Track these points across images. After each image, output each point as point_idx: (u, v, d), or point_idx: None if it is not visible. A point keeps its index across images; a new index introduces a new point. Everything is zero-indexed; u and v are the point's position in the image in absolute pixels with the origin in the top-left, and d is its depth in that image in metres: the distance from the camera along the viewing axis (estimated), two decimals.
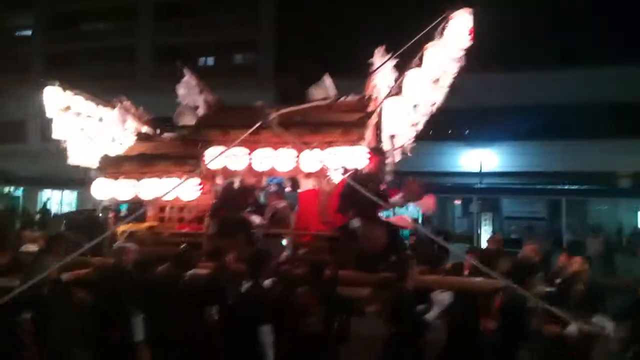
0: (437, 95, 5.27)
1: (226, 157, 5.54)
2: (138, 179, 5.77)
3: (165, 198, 5.73)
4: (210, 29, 21.73)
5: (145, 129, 6.62)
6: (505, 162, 17.63)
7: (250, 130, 5.26)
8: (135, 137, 6.42)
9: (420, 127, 5.53)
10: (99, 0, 22.48)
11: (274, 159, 5.49)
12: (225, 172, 5.59)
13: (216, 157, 5.23)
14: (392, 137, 5.51)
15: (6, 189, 18.29)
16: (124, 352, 4.60)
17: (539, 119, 16.55)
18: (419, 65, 5.14)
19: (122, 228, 5.81)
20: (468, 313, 4.56)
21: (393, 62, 5.51)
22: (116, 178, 5.79)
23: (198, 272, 5.01)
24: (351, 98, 6.23)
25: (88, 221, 6.33)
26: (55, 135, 5.78)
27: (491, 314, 4.53)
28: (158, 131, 6.62)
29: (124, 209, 6.44)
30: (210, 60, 23.52)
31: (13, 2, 23.10)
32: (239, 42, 22.36)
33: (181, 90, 6.27)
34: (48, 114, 5.71)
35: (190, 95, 6.24)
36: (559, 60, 16.56)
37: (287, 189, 6.05)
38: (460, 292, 4.57)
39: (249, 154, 5.53)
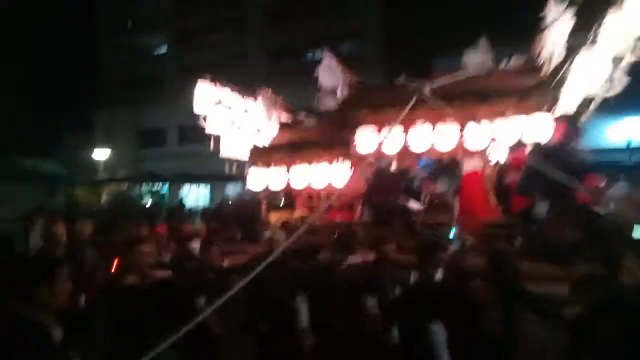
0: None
1: (379, 139, 5.05)
2: (289, 167, 5.55)
3: (316, 185, 5.44)
4: (317, 24, 21.72)
5: (287, 117, 6.40)
6: None
7: (409, 107, 4.69)
8: (279, 126, 6.23)
9: (618, 85, 4.42)
10: (214, 13, 23.72)
11: (433, 137, 4.84)
12: (379, 155, 5.08)
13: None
14: (584, 100, 4.48)
15: (154, 186, 20.15)
16: (285, 340, 4.41)
17: None
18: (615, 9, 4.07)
19: (274, 217, 5.66)
20: None
21: (564, 11, 4.48)
22: (268, 167, 5.64)
23: (358, 260, 4.61)
24: (515, 61, 5.30)
25: (243, 211, 6.30)
26: (209, 129, 5.81)
27: None
28: (302, 118, 6.36)
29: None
30: (318, 54, 23.52)
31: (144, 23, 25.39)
32: (344, 33, 22.11)
33: (321, 73, 5.92)
34: (198, 109, 5.73)
35: (331, 78, 5.85)
36: None
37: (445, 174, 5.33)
38: None
39: (404, 133, 4.95)
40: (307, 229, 5.34)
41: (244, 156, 6.03)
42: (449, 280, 4.18)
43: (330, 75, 5.84)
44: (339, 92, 5.85)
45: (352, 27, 21.73)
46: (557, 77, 4.51)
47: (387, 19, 20.53)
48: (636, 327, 3.33)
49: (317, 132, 5.69)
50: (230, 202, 9.17)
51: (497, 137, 4.51)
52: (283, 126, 6.27)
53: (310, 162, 5.45)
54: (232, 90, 6.11)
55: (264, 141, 6.07)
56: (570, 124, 4.31)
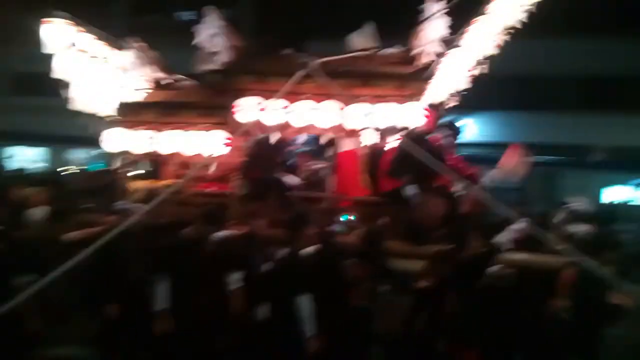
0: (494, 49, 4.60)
1: (260, 109, 4.85)
2: (157, 130, 5.03)
3: (188, 153, 5.03)
4: None
5: (162, 76, 5.79)
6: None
7: (294, 79, 4.60)
8: (152, 85, 5.61)
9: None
10: None
11: (315, 114, 4.81)
12: (260, 126, 4.89)
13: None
14: (450, 93, 4.86)
15: None
16: (140, 322, 4.07)
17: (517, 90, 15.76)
18: (482, 13, 4.45)
19: (135, 185, 5.11)
20: (536, 292, 4.08)
21: (444, 11, 4.81)
22: (131, 128, 5.03)
23: (227, 235, 4.43)
24: (395, 50, 5.53)
25: (100, 178, 5.56)
26: (56, 74, 4.93)
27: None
28: (177, 78, 5.80)
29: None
30: (189, 16, 22.22)
31: None
32: None
33: (202, 33, 5.42)
34: (48, 50, 4.86)
35: (213, 39, 5.41)
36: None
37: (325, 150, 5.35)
38: (528, 269, 4.08)
39: (287, 106, 4.83)
40: (174, 200, 5.01)
41: (100, 113, 5.30)
42: (321, 256, 4.26)
43: (213, 36, 5.39)
44: (220, 56, 5.44)
45: None
46: (430, 69, 4.80)
47: None
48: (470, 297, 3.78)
49: (194, 96, 5.24)
50: (80, 167, 8.09)
51: (375, 119, 4.64)
52: (156, 85, 5.65)
53: (183, 127, 5.01)
54: (92, 34, 5.29)
55: (130, 98, 5.40)
56: (439, 114, 4.64)
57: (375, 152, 5.48)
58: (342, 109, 4.74)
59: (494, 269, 4.10)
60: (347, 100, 4.75)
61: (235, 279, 4.15)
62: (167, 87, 5.68)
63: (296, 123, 4.82)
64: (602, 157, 16.24)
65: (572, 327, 3.83)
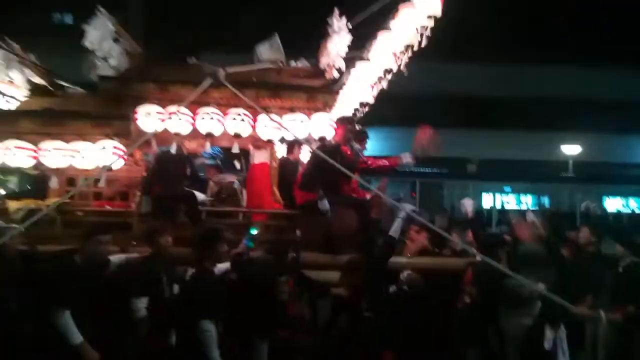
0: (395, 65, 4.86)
1: (164, 118, 4.52)
2: (36, 142, 4.40)
3: (79, 166, 4.50)
4: None
5: (40, 80, 5.11)
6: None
7: (201, 87, 4.35)
8: (30, 90, 4.92)
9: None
10: None
11: (225, 124, 4.62)
12: (164, 136, 4.54)
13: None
14: (358, 105, 4.99)
15: None
16: None
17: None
18: (386, 29, 4.68)
19: (14, 205, 4.41)
20: (442, 292, 4.34)
21: (344, 26, 4.98)
22: (7, 139, 4.35)
23: (127, 257, 4.04)
24: (302, 63, 5.57)
25: None
26: None
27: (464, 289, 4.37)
28: (60, 83, 5.17)
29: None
30: (69, 19, 20.46)
31: None
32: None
33: (92, 35, 4.91)
34: None
35: (104, 42, 4.92)
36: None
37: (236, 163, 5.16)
38: (433, 272, 4.32)
39: (194, 115, 4.56)
40: (63, 221, 4.44)
41: None
42: (235, 271, 4.07)
43: (105, 39, 4.92)
44: (113, 61, 4.98)
45: None
46: (338, 83, 4.90)
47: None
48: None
49: (86, 104, 4.70)
50: None
51: (285, 131, 4.59)
52: (35, 90, 4.96)
53: (73, 138, 4.45)
54: None
55: (8, 105, 4.68)
56: (349, 124, 4.74)
57: (285, 165, 5.43)
58: (253, 120, 4.59)
59: (403, 274, 4.27)
60: (255, 112, 4.63)
61: (140, 306, 3.76)
62: (48, 94, 5.02)
63: (204, 129, 4.55)
64: (477, 168, 18.29)
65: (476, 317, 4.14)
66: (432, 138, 4.69)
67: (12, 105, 4.77)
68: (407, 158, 4.56)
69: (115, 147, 4.43)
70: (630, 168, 18.72)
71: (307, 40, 5.77)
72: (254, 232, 4.08)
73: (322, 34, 5.29)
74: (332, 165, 3.97)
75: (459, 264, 4.40)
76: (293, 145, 5.47)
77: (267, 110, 4.59)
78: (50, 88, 5.16)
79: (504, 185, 19.56)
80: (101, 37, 4.92)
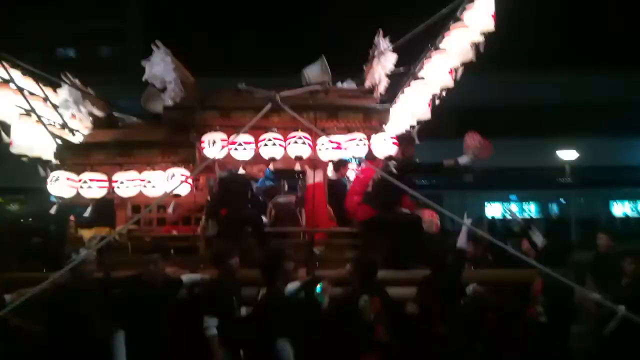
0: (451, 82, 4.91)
1: (229, 144, 4.58)
2: (110, 173, 4.46)
3: (149, 194, 4.54)
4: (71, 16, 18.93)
5: (101, 113, 5.20)
6: None
7: (261, 113, 4.43)
8: (94, 122, 5.01)
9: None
10: None
11: (285, 147, 4.67)
12: (228, 162, 4.60)
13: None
14: (414, 124, 5.04)
15: None
16: None
17: None
18: (438, 49, 4.75)
19: (87, 234, 4.46)
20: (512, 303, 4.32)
21: (390, 46, 5.05)
22: (81, 172, 4.41)
23: (196, 278, 4.07)
24: (348, 84, 5.65)
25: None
26: None
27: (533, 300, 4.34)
28: (120, 116, 5.26)
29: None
30: (71, 52, 20.86)
31: None
32: (104, 32, 19.95)
33: (151, 68, 5.01)
34: None
35: (163, 74, 5.01)
36: None
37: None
38: (497, 284, 4.31)
39: (256, 141, 4.62)
40: (133, 246, 4.48)
41: (45, 154, 4.59)
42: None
43: (162, 71, 5.00)
44: (172, 92, 5.06)
45: (115, 26, 19.93)
46: (392, 102, 4.97)
47: (152, 22, 18.96)
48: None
49: (153, 134, 4.77)
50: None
51: (345, 151, 4.64)
52: (99, 122, 5.05)
53: (140, 169, 4.52)
54: (24, 73, 4.61)
55: (75, 138, 4.75)
56: (409, 142, 4.79)
57: (336, 184, 5.48)
58: (313, 141, 4.65)
59: (469, 287, 4.26)
60: (314, 133, 4.69)
61: (211, 326, 3.77)
62: (110, 125, 5.11)
63: (266, 157, 4.61)
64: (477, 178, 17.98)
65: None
66: (482, 143, 4.71)
67: (77, 139, 4.83)
68: (463, 159, 4.58)
69: (182, 175, 4.46)
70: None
71: (351, 60, 5.87)
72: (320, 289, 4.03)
73: (366, 54, 5.39)
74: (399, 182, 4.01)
75: (526, 275, 4.37)
76: (340, 164, 5.52)
77: (324, 131, 4.64)
78: (110, 120, 5.24)
79: (510, 194, 19.31)
80: (159, 70, 5.00)
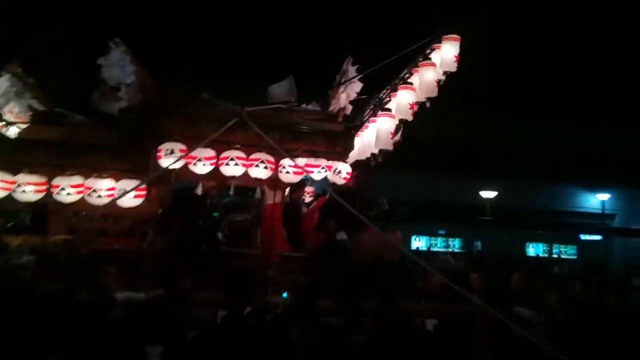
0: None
1: (189, 156, 4.30)
2: (50, 176, 4.00)
3: (92, 202, 4.12)
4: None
5: (41, 107, 4.70)
6: None
7: (226, 127, 4.20)
8: (32, 117, 4.50)
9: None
10: None
11: (246, 164, 4.47)
12: (185, 174, 4.31)
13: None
14: (375, 153, 5.03)
15: None
16: None
17: None
18: (405, 83, 4.85)
19: (16, 241, 3.93)
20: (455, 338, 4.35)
21: (357, 74, 5.10)
22: (16, 172, 3.91)
23: (136, 296, 3.73)
24: (313, 107, 5.58)
25: None
26: None
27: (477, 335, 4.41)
28: (64, 113, 4.76)
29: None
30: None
31: None
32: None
33: (107, 65, 4.62)
34: None
35: (121, 74, 4.64)
36: None
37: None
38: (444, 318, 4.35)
39: (217, 155, 4.38)
40: (69, 259, 4.03)
41: None
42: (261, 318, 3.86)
43: (121, 71, 4.64)
44: (129, 94, 4.69)
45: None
46: (356, 128, 4.95)
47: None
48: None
49: (100, 135, 4.35)
50: None
51: (306, 175, 4.53)
52: (39, 117, 4.54)
53: (88, 173, 4.09)
54: None
55: (10, 133, 4.22)
56: (366, 170, 4.77)
57: (292, 207, 5.33)
58: (275, 162, 4.49)
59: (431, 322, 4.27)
60: (277, 153, 4.54)
61: (155, 352, 3.44)
62: (54, 122, 4.61)
63: (228, 172, 4.37)
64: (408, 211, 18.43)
65: None
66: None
67: (13, 134, 4.30)
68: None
69: (134, 184, 4.10)
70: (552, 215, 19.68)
71: (316, 83, 5.82)
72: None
73: (332, 79, 5.37)
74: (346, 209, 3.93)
75: (467, 311, 4.42)
76: (297, 186, 5.39)
77: (289, 152, 4.50)
78: (53, 116, 4.73)
79: (439, 229, 19.88)
80: (117, 69, 4.64)
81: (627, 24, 15.01)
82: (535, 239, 20.05)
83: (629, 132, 16.11)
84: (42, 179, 3.99)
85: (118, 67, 4.69)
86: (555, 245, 20.09)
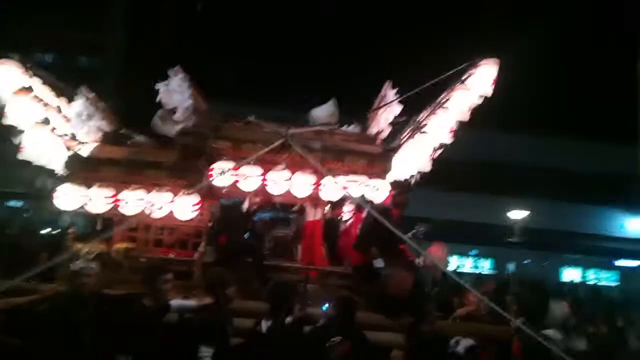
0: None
1: (236, 175, 4.60)
2: (117, 190, 4.39)
3: (152, 214, 4.47)
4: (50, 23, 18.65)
5: (111, 128, 5.15)
6: None
7: (271, 147, 4.49)
8: (104, 137, 4.95)
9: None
10: None
11: (290, 183, 4.72)
12: (234, 192, 4.61)
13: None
14: (412, 174, 5.20)
15: None
16: None
17: None
18: (442, 107, 5.00)
19: (85, 248, 4.32)
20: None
21: (396, 98, 5.28)
22: (89, 185, 4.32)
23: (188, 304, 3.98)
24: (353, 128, 5.81)
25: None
26: (10, 120, 4.09)
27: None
28: (128, 133, 5.21)
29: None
30: (49, 58, 20.31)
31: None
32: (82, 42, 19.62)
33: (166, 91, 5.03)
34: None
35: (179, 99, 5.04)
36: None
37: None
38: (477, 338, 4.37)
39: (263, 174, 4.66)
40: (129, 265, 4.38)
41: (53, 165, 4.48)
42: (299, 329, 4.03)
43: (178, 96, 5.03)
44: (184, 117, 5.08)
45: (94, 38, 19.49)
46: (394, 150, 5.14)
47: (135, 38, 18.90)
48: None
49: (163, 155, 4.74)
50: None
51: (349, 193, 4.73)
52: (106, 137, 4.99)
53: (149, 189, 4.47)
54: (44, 82, 4.56)
55: (84, 151, 4.67)
56: (405, 191, 4.92)
57: (331, 224, 5.52)
58: (317, 181, 4.73)
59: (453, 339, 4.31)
60: (319, 173, 4.77)
61: (206, 356, 3.67)
62: (120, 142, 5.05)
63: (272, 190, 4.64)
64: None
65: None
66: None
67: (85, 152, 4.75)
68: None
69: (190, 199, 4.44)
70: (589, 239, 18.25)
71: (355, 105, 6.05)
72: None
73: (372, 101, 5.60)
74: (385, 228, 4.08)
75: (504, 333, 4.45)
76: (337, 204, 5.59)
77: (330, 172, 4.73)
78: (118, 136, 5.18)
79: (470, 249, 19.14)
80: (175, 94, 5.03)
81: None
82: (572, 264, 19.18)
83: None
84: (110, 193, 4.38)
85: (177, 92, 5.10)
86: (593, 271, 19.13)
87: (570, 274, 19.02)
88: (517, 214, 16.26)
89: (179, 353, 3.76)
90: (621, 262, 18.86)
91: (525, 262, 17.30)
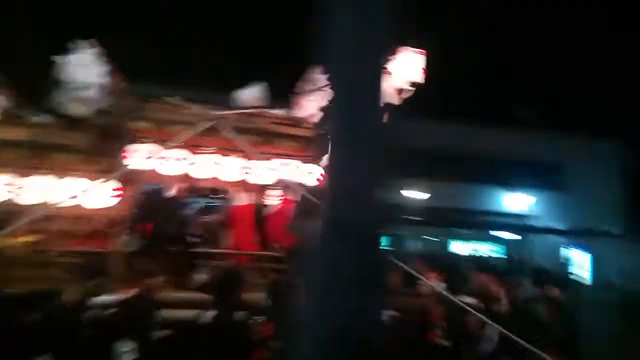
0: None
1: (158, 158, 4.27)
2: (22, 175, 3.86)
3: (61, 203, 4.00)
4: None
5: (10, 106, 4.49)
6: None
7: (197, 130, 4.22)
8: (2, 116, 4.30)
9: None
10: None
11: (218, 167, 4.50)
12: (155, 176, 4.28)
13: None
14: None
15: None
16: None
17: None
18: None
19: None
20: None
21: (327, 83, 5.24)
22: None
23: (109, 298, 3.70)
24: (280, 111, 5.66)
25: None
26: None
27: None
28: (30, 111, 4.56)
29: None
30: None
31: None
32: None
33: (75, 66, 4.48)
34: None
35: (90, 76, 4.51)
36: None
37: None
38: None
39: (188, 157, 4.38)
40: (35, 261, 3.92)
41: None
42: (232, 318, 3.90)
43: (88, 72, 4.51)
44: (97, 95, 4.57)
45: None
46: (324, 135, 5.09)
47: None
48: None
49: (73, 138, 4.22)
50: None
51: (281, 176, 4.62)
52: (7, 116, 4.33)
53: (60, 174, 3.97)
54: None
55: None
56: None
57: (260, 208, 5.37)
58: (246, 164, 4.55)
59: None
60: (250, 156, 4.59)
61: (126, 350, 3.43)
62: (22, 122, 4.41)
63: (198, 175, 4.38)
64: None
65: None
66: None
67: None
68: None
69: (106, 185, 4.02)
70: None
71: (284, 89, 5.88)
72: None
73: (302, 86, 5.48)
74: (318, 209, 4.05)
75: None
76: (263, 188, 5.44)
77: (259, 155, 4.57)
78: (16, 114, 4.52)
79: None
80: (84, 69, 4.51)
81: None
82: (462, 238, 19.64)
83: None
84: (11, 179, 3.82)
85: (88, 68, 4.56)
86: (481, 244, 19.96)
87: (458, 248, 19.62)
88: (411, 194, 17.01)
89: (97, 350, 3.46)
90: (505, 235, 20.49)
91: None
